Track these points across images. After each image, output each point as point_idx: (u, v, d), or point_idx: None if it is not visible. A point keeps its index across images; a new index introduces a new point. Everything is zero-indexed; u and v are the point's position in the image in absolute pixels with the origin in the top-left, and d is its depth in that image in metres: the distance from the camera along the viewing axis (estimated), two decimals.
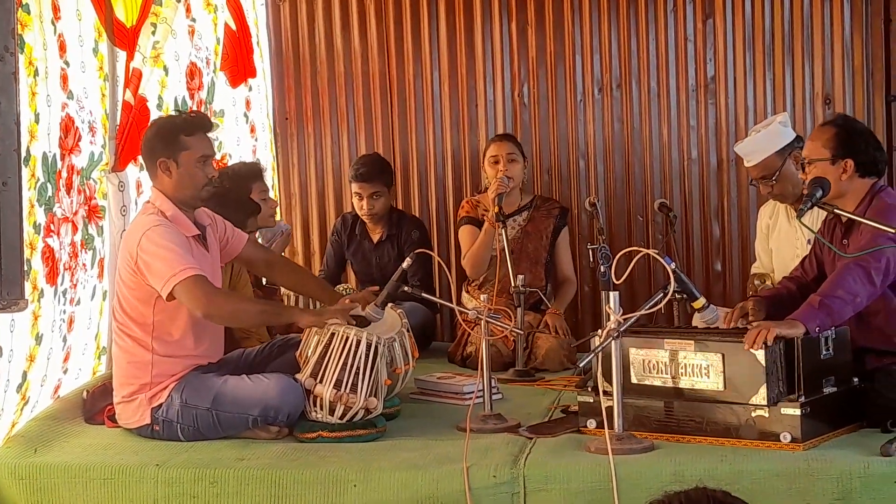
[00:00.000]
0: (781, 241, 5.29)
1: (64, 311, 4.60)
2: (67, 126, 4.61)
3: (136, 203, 5.14)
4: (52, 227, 4.48)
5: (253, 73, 6.48)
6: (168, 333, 4.36)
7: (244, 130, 6.44)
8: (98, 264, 4.89)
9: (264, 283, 5.60)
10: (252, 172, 5.69)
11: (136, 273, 4.31)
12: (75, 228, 4.68)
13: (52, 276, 4.47)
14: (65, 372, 4.68)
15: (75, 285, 4.69)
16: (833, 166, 4.34)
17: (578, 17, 6.52)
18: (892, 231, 3.99)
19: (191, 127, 4.44)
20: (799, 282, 4.60)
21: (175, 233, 4.31)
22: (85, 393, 4.64)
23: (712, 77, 6.47)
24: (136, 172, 5.17)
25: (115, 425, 4.47)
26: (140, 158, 5.12)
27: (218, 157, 5.99)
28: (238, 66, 6.24)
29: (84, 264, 4.76)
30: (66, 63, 4.63)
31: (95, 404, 4.58)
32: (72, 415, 4.55)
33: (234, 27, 6.21)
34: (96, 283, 4.89)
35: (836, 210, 4.25)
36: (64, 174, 4.58)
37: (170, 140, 4.40)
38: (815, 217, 4.69)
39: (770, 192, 5.15)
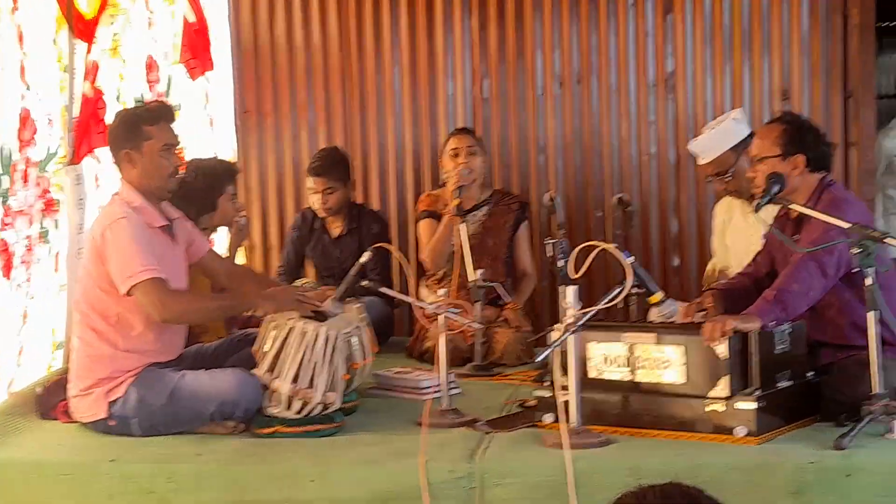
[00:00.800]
0: (737, 237, 5.32)
1: (18, 305, 4.56)
2: (25, 118, 4.58)
3: (94, 197, 5.10)
4: (8, 221, 4.44)
5: (211, 66, 6.44)
6: (130, 326, 4.33)
7: (203, 124, 6.41)
8: (54, 258, 4.85)
9: None
10: (227, 172, 5.65)
11: (99, 263, 4.28)
12: (31, 221, 4.64)
13: (6, 270, 4.43)
14: (18, 366, 4.64)
15: (30, 279, 4.65)
16: (784, 162, 4.38)
17: (539, 12, 6.54)
18: (846, 225, 4.02)
19: (153, 117, 4.43)
20: (753, 276, 4.63)
21: (139, 227, 4.29)
22: (39, 388, 4.60)
23: (671, 72, 6.51)
24: (93, 166, 5.13)
25: (69, 420, 4.43)
26: (96, 152, 5.09)
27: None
28: (196, 58, 6.20)
29: (40, 258, 4.72)
30: (24, 54, 4.59)
31: (50, 399, 4.54)
32: (26, 410, 4.51)
33: (192, 20, 6.17)
34: (52, 276, 4.84)
35: (791, 205, 4.29)
36: (21, 167, 4.54)
37: (132, 130, 4.38)
38: (769, 213, 4.72)
39: (725, 188, 5.19)
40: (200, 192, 5.21)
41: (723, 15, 6.46)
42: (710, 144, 5.16)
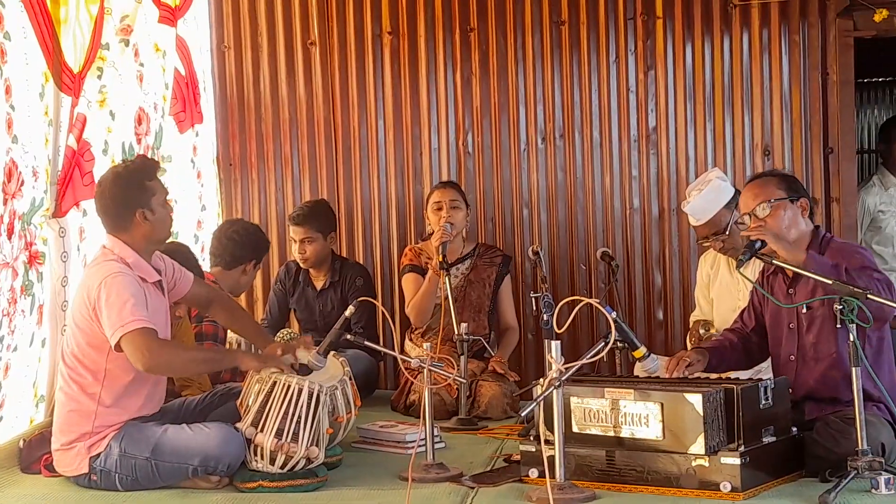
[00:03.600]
0: (722, 292, 5.34)
1: (0, 358, 4.54)
2: (11, 171, 4.58)
3: (78, 249, 5.10)
4: None
5: (200, 119, 6.46)
6: (118, 382, 4.32)
7: (191, 176, 6.42)
8: (38, 311, 4.83)
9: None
10: (265, 245, 5.95)
11: (93, 319, 4.27)
12: (15, 274, 4.63)
13: None
14: (0, 420, 4.60)
15: (13, 331, 4.63)
16: (794, 205, 4.43)
17: (522, 67, 6.59)
18: (829, 281, 4.05)
19: (151, 172, 4.47)
20: (739, 333, 4.65)
21: (133, 283, 4.29)
22: (21, 442, 4.57)
23: (654, 128, 6.55)
24: (77, 218, 5.12)
25: (51, 474, 4.41)
26: (82, 204, 5.08)
27: None
28: (186, 111, 6.23)
29: (23, 310, 4.71)
30: (12, 107, 4.60)
31: (32, 453, 4.51)
32: (7, 464, 4.49)
33: (183, 72, 6.20)
34: (35, 329, 4.82)
35: (774, 261, 4.31)
36: (6, 219, 4.54)
37: (139, 189, 4.39)
38: (754, 269, 4.75)
39: (722, 246, 5.20)
40: (242, 248, 5.66)
41: (704, 71, 6.52)
42: (703, 205, 5.19)
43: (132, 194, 4.39)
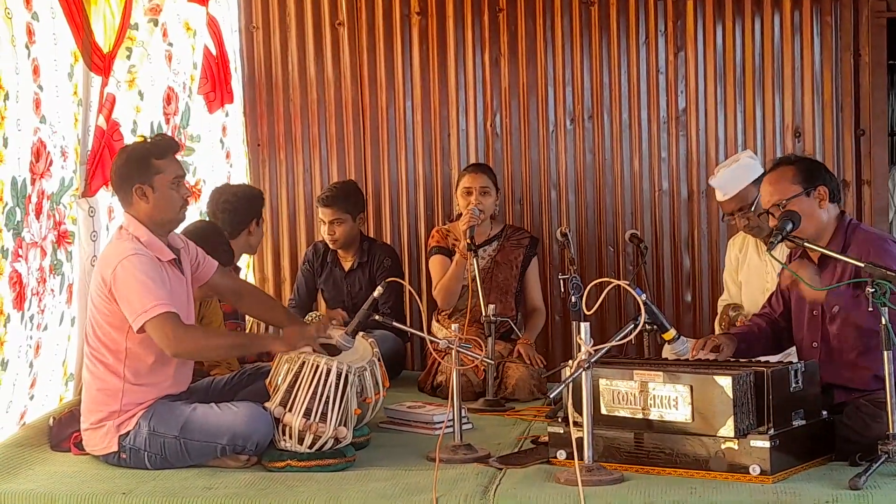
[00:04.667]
0: (751, 275, 5.31)
1: (31, 337, 4.56)
2: (39, 151, 4.59)
3: (108, 229, 5.11)
4: (21, 252, 4.45)
5: (231, 99, 6.46)
6: (140, 361, 4.33)
7: (220, 156, 6.42)
8: (67, 290, 4.86)
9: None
10: (260, 198, 5.86)
11: (110, 300, 4.28)
12: (44, 253, 4.65)
13: (19, 301, 4.43)
14: (31, 398, 4.64)
15: (43, 311, 4.65)
16: (809, 198, 4.37)
17: (551, 48, 6.56)
18: (862, 264, 4.01)
19: (161, 150, 4.44)
20: (768, 318, 4.63)
21: (150, 262, 4.29)
22: (51, 420, 4.59)
23: (683, 109, 6.52)
24: (107, 198, 5.14)
25: (81, 453, 4.43)
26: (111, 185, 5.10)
27: (192, 181, 5.98)
28: (216, 90, 6.23)
29: (52, 290, 4.73)
30: (40, 87, 4.61)
31: (62, 431, 4.53)
32: (37, 442, 4.51)
33: (213, 51, 6.20)
34: (65, 308, 4.85)
35: (805, 244, 4.27)
36: (34, 199, 4.55)
37: (142, 165, 4.38)
38: (781, 254, 4.71)
39: (747, 224, 5.18)
40: (238, 214, 5.56)
41: (734, 52, 6.47)
42: (731, 180, 5.17)
43: (133, 170, 4.38)
